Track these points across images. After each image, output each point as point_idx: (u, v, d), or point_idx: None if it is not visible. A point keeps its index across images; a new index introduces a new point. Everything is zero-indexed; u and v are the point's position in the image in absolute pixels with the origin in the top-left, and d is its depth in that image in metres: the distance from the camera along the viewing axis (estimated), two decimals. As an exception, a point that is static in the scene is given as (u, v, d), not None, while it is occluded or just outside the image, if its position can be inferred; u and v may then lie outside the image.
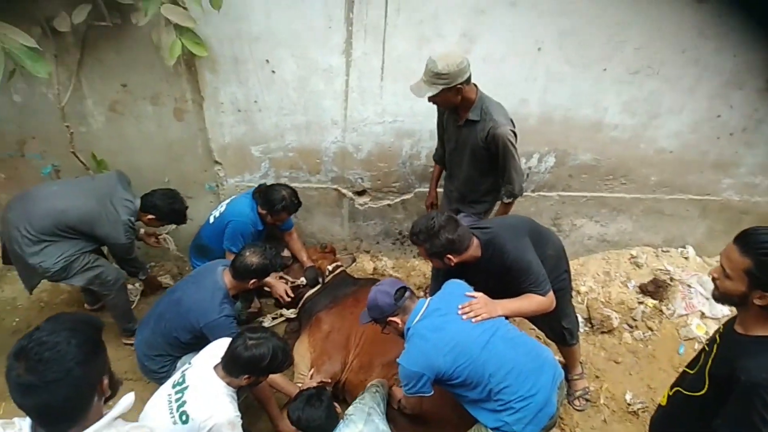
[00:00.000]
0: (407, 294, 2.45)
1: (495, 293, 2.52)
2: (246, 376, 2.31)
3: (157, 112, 3.41)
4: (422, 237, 2.53)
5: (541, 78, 3.32)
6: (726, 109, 3.54)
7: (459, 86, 2.72)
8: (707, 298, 3.82)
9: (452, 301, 2.44)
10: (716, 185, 3.93)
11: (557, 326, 3.02)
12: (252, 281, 2.84)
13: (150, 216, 3.20)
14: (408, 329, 2.39)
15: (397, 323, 2.42)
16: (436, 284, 2.93)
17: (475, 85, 2.87)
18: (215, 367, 2.35)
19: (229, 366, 2.31)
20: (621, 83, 3.37)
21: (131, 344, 3.25)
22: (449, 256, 2.53)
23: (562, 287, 2.81)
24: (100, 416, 1.32)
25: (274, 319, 3.78)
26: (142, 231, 3.62)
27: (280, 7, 3.01)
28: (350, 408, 2.60)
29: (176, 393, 2.32)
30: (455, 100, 2.81)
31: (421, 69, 3.16)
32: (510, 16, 3.08)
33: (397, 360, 2.37)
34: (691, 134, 3.64)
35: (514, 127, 2.88)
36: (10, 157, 3.62)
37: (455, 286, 2.57)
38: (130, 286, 3.92)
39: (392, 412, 2.77)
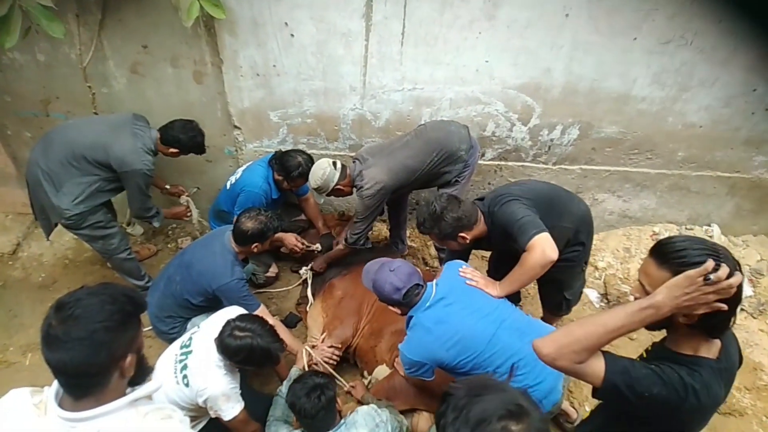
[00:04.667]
0: (417, 291, 2.32)
1: (509, 262, 2.47)
2: (229, 362, 2.33)
3: (177, 75, 3.41)
4: (428, 224, 2.51)
5: (567, 46, 3.20)
6: (762, 83, 3.37)
7: (336, 188, 3.13)
8: (730, 278, 3.72)
9: (457, 290, 2.39)
10: (747, 162, 3.79)
11: (558, 296, 3.00)
12: (254, 245, 2.84)
13: (173, 149, 3.23)
14: (411, 317, 2.34)
15: (399, 312, 2.40)
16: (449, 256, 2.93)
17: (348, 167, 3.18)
18: (215, 339, 2.37)
19: (217, 346, 2.33)
20: (651, 54, 3.22)
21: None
22: (461, 234, 2.50)
23: (572, 259, 2.72)
24: (122, 395, 1.32)
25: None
26: (167, 186, 3.71)
27: (300, -32, 2.96)
28: (360, 410, 2.34)
29: (182, 354, 2.38)
30: (344, 193, 3.23)
31: (443, 34, 3.16)
32: (537, -19, 2.96)
33: (399, 346, 2.35)
34: (723, 108, 3.48)
35: (380, 186, 3.02)
36: (35, 116, 3.69)
37: (456, 268, 2.52)
38: (130, 229, 4.10)
39: (397, 378, 2.77)
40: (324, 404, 2.21)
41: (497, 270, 2.94)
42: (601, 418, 1.74)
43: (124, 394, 1.33)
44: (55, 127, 3.19)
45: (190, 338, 2.47)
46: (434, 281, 2.42)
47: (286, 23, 3.13)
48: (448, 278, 2.46)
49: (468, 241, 2.56)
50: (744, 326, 3.58)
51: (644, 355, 1.60)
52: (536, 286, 3.20)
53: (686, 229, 4.11)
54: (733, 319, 1.39)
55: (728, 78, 3.34)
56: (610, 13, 3.06)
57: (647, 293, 1.40)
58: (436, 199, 2.53)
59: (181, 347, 2.44)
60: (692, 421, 1.44)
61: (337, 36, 3.18)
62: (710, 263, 1.26)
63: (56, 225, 3.29)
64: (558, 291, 2.96)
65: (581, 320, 1.43)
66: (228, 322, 2.34)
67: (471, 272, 2.50)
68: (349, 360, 3.26)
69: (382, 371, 2.98)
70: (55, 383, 1.31)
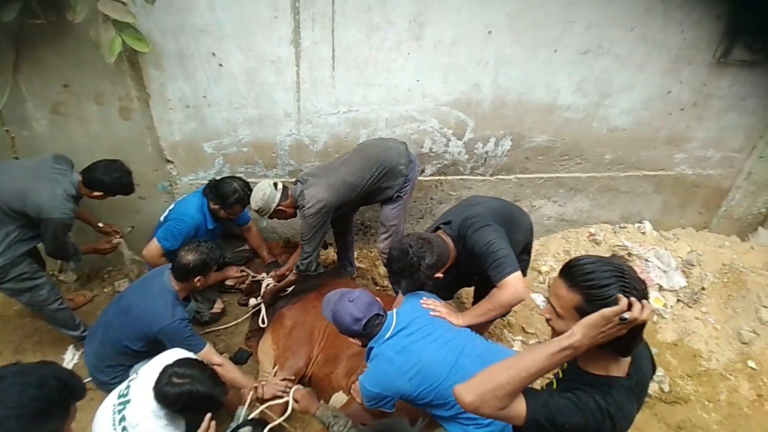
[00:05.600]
0: (378, 321, 2.28)
1: (469, 279, 2.56)
2: (166, 410, 2.20)
3: (102, 112, 3.28)
4: (406, 274, 2.38)
5: (493, 61, 3.32)
6: (676, 84, 3.61)
7: (278, 209, 3.11)
8: (664, 271, 3.92)
9: (417, 320, 2.35)
10: (669, 160, 4.02)
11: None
12: (197, 279, 2.75)
13: (97, 193, 3.06)
14: (371, 348, 2.29)
15: (359, 344, 2.35)
16: None
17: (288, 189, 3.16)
18: (154, 387, 2.23)
19: (155, 394, 2.19)
20: (572, 64, 3.39)
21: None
22: (437, 276, 2.45)
23: (522, 268, 2.66)
24: None
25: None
26: (100, 224, 3.54)
27: (224, -2, 2.94)
28: None
29: (119, 405, 2.24)
30: (287, 215, 3.20)
31: (373, 57, 3.21)
32: (458, 0, 3.05)
33: (359, 378, 2.30)
34: (643, 111, 3.70)
35: (321, 204, 3.00)
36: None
37: (417, 299, 2.48)
38: (62, 277, 3.90)
39: (354, 406, 2.67)
40: None
41: (448, 289, 2.97)
42: None
43: None
44: None
45: (128, 386, 2.32)
46: (394, 310, 2.38)
47: (213, 53, 3.09)
48: (408, 307, 2.43)
49: (441, 277, 2.50)
50: (681, 315, 3.76)
51: (560, 374, 1.62)
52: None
53: (620, 227, 4.30)
54: (640, 336, 1.42)
55: (645, 82, 3.55)
56: (531, 28, 3.20)
57: (558, 315, 1.45)
58: (410, 245, 2.34)
59: (119, 397, 2.29)
60: None
61: (267, 63, 3.16)
62: (624, 302, 1.30)
63: None
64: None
65: (502, 364, 1.42)
66: (165, 369, 2.20)
67: (432, 303, 2.46)
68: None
69: (338, 399, 2.92)
70: None
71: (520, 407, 1.39)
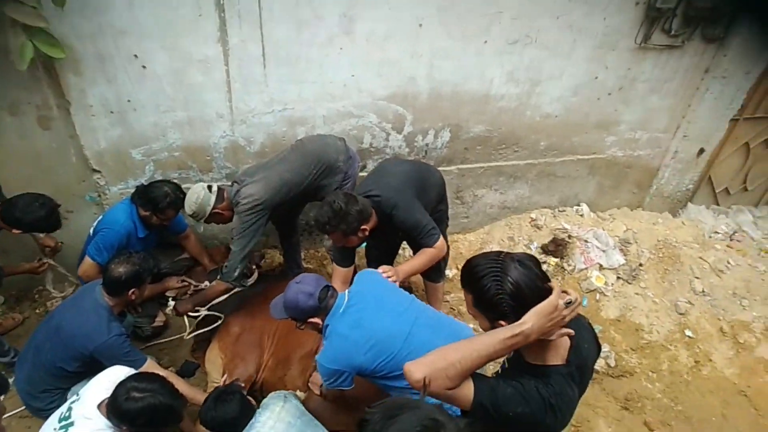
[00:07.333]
0: (330, 293, 2.35)
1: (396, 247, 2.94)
2: (125, 428, 2.11)
3: (17, 122, 3.06)
4: (334, 222, 2.57)
5: (426, 54, 3.33)
6: (602, 70, 3.74)
7: (214, 212, 3.00)
8: (603, 251, 4.06)
9: (368, 294, 2.40)
10: (601, 144, 4.17)
11: None
12: (131, 292, 2.62)
13: (16, 230, 2.87)
14: (327, 326, 2.32)
15: (318, 323, 2.34)
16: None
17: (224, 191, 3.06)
18: (100, 406, 2.14)
19: (110, 413, 2.10)
20: (502, 54, 3.45)
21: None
22: (363, 227, 2.62)
23: (439, 219, 3.06)
24: None
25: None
26: (26, 265, 3.30)
27: (143, -3, 2.80)
28: (265, 399, 2.47)
29: (61, 429, 2.12)
30: (224, 218, 3.08)
31: (305, 53, 3.16)
32: (388, -6, 3.05)
33: (316, 357, 2.32)
34: (572, 98, 3.81)
35: (257, 201, 2.94)
36: None
37: (367, 276, 2.55)
38: None
39: (311, 402, 2.68)
40: (238, 399, 2.33)
41: (387, 260, 3.23)
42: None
43: None
44: None
45: (69, 408, 2.20)
46: (345, 291, 2.43)
47: (135, 55, 2.95)
48: (358, 284, 2.49)
49: (367, 234, 2.67)
50: (622, 292, 3.90)
51: (506, 364, 1.67)
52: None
53: (559, 211, 4.43)
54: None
55: (573, 69, 3.67)
56: (460, 20, 3.23)
57: (475, 317, 1.54)
58: (335, 198, 2.57)
59: (60, 420, 2.16)
60: (553, 428, 1.51)
61: (193, 63, 3.05)
62: (557, 288, 1.41)
63: None
64: None
65: (454, 345, 1.44)
66: (121, 384, 2.11)
67: (384, 270, 2.60)
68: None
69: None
70: None
71: (467, 389, 1.40)
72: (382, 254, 3.29)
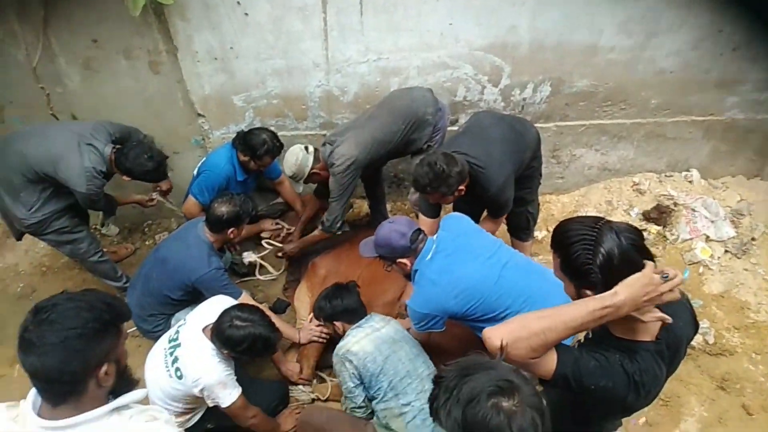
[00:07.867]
0: (421, 236, 2.40)
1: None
2: (226, 351, 2.30)
3: (132, 67, 3.28)
4: (435, 184, 2.55)
5: (530, 1, 3.12)
6: (728, 23, 3.32)
7: (312, 173, 3.10)
8: (712, 221, 3.75)
9: (456, 239, 2.41)
10: (720, 104, 3.76)
11: (522, 211, 3.16)
12: (230, 231, 2.80)
13: (126, 177, 3.07)
14: (416, 271, 2.37)
15: (406, 264, 2.40)
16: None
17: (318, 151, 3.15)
18: (204, 329, 2.35)
19: (214, 337, 2.30)
20: (615, 2, 3.16)
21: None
22: (460, 188, 2.61)
23: (531, 175, 3.07)
24: (102, 404, 1.29)
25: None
26: (137, 197, 3.56)
27: (246, -58, 2.84)
28: None
29: (170, 348, 2.36)
30: (321, 178, 3.18)
31: (403, 1, 3.08)
32: (493, -65, 2.87)
33: (407, 302, 2.38)
34: (691, 52, 3.44)
35: (351, 160, 2.98)
36: (-10, 124, 3.55)
37: (454, 220, 2.57)
38: (104, 230, 4.05)
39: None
40: (356, 298, 2.66)
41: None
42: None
43: (105, 403, 1.30)
44: (10, 135, 3.03)
45: (177, 331, 2.44)
46: (434, 236, 2.47)
47: (238, 2, 3.01)
48: (445, 229, 2.50)
49: (463, 193, 2.66)
50: (729, 267, 3.61)
51: (590, 334, 1.58)
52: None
53: (666, 176, 4.11)
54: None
55: (694, 21, 3.29)
56: (571, -37, 2.98)
57: (560, 278, 1.47)
58: (435, 159, 2.53)
59: (169, 341, 2.42)
60: (634, 406, 1.45)
61: (293, 11, 3.07)
62: (649, 264, 1.30)
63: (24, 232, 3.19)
64: (523, 205, 3.14)
65: (537, 313, 1.37)
66: (226, 312, 2.31)
67: None
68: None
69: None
70: (30, 395, 1.29)
71: (551, 360, 1.36)
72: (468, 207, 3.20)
